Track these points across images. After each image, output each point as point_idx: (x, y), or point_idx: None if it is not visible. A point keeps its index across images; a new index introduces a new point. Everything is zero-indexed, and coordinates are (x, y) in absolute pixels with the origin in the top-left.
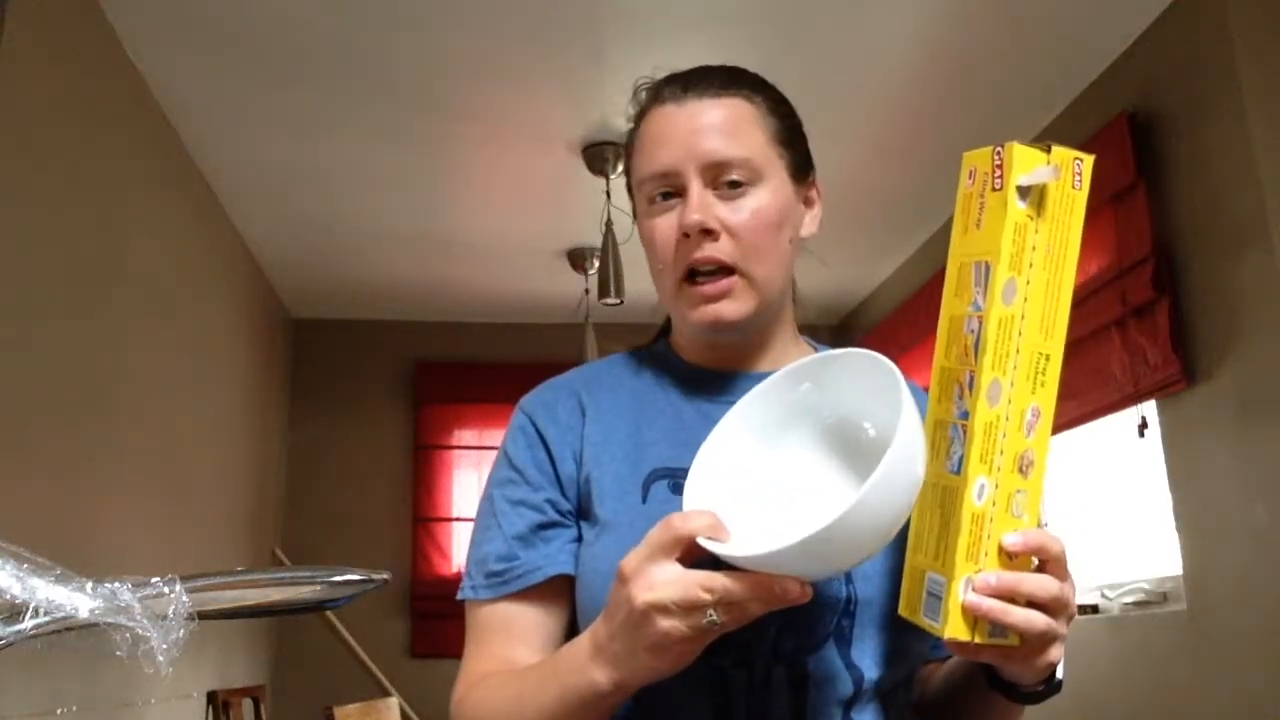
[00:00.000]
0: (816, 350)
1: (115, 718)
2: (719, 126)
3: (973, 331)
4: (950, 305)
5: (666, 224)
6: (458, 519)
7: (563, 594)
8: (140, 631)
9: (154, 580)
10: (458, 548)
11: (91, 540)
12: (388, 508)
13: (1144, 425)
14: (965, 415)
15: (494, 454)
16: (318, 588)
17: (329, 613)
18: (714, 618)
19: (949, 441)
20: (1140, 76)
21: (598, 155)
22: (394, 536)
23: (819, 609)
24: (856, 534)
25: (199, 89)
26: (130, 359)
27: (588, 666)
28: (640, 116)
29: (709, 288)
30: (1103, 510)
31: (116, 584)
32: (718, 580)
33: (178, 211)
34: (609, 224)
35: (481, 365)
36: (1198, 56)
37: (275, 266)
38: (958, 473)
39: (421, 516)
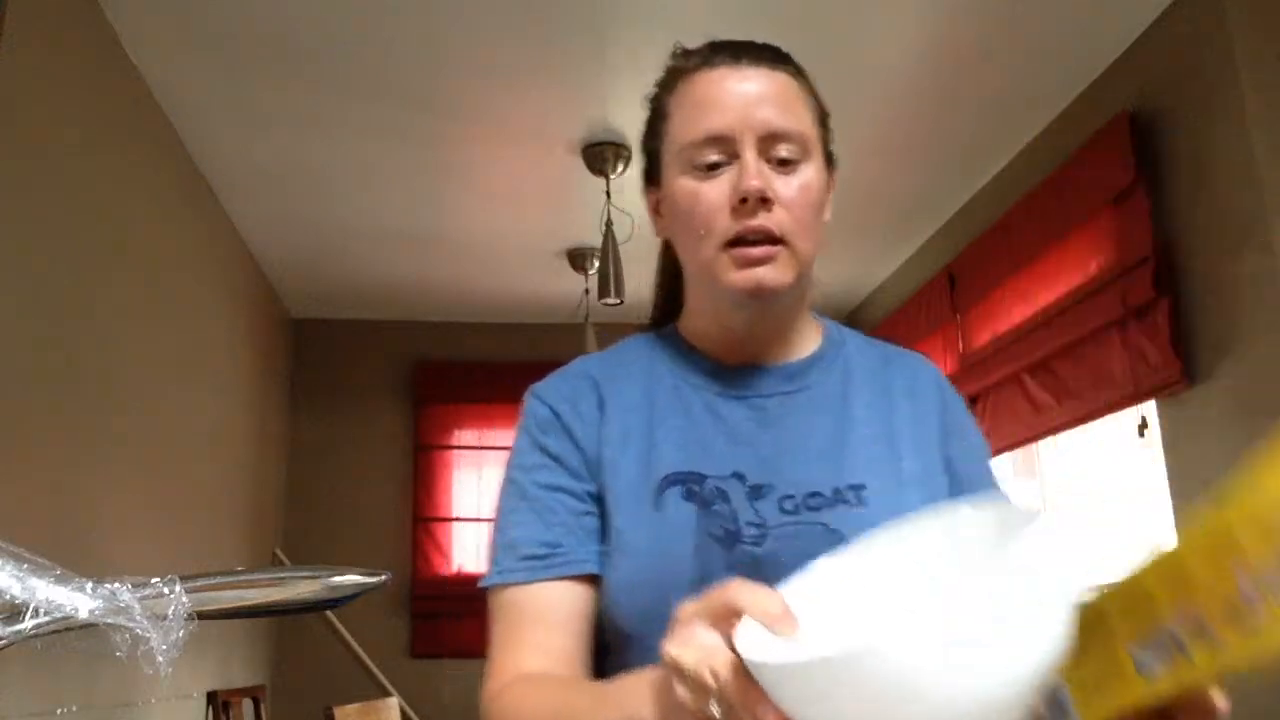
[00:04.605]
0: (829, 330)
1: (115, 718)
2: (776, 97)
3: (1250, 604)
4: (1221, 540)
5: (714, 189)
6: (458, 519)
7: (596, 589)
8: (140, 632)
9: (154, 580)
10: (458, 548)
11: (91, 540)
12: (388, 508)
13: (1144, 425)
14: (1162, 655)
15: (494, 454)
16: (318, 588)
17: (329, 613)
18: (715, 711)
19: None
20: (1140, 76)
21: (598, 155)
22: (394, 536)
23: None
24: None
25: (199, 89)
26: (130, 359)
27: (644, 704)
28: (681, 76)
29: (756, 250)
30: (1102, 510)
31: (116, 584)
32: (724, 672)
33: (177, 211)
34: (609, 224)
35: (481, 365)
36: (1198, 56)
37: (275, 266)
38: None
39: (421, 516)
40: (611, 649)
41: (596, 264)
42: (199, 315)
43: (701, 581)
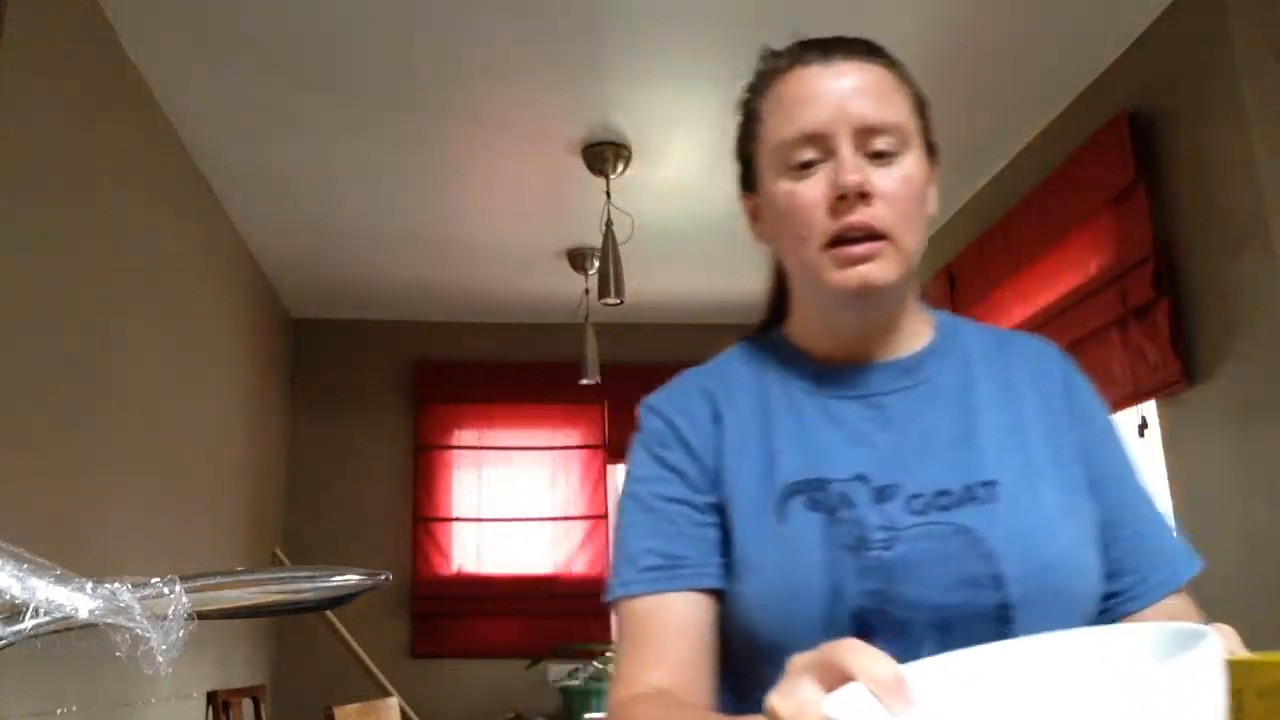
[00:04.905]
0: (940, 321)
1: (115, 718)
2: (870, 90)
3: None
4: None
5: (812, 187)
6: (458, 519)
7: (719, 602)
8: (140, 632)
9: (154, 580)
10: (458, 548)
11: (91, 540)
12: (388, 508)
13: (1144, 425)
14: None
15: (494, 454)
16: (318, 588)
17: (329, 613)
18: None
19: None
20: (1140, 76)
21: (598, 155)
22: (394, 536)
23: (975, 620)
24: None
25: (199, 89)
26: (130, 359)
27: None
28: (771, 78)
29: (859, 248)
30: None
31: (116, 584)
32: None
33: (178, 212)
34: (609, 224)
35: (481, 365)
36: (1198, 56)
37: (275, 266)
38: None
39: (421, 516)
40: (745, 662)
41: (596, 264)
42: (199, 315)
43: (833, 593)
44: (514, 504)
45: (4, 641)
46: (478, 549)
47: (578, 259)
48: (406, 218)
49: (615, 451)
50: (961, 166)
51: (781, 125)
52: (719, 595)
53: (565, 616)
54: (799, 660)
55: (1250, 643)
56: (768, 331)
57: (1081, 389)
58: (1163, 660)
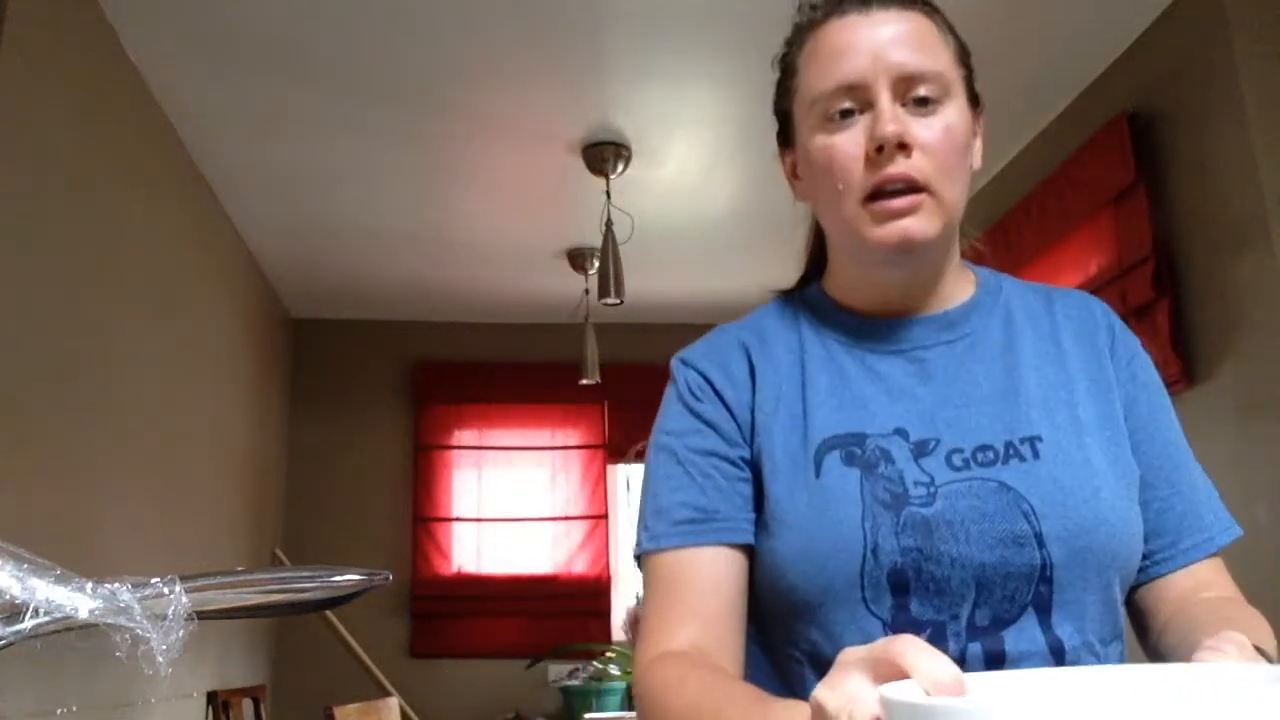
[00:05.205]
0: (983, 277)
1: (115, 718)
2: (909, 39)
3: None
4: None
5: (849, 140)
6: (458, 519)
7: (750, 558)
8: (140, 632)
9: (154, 580)
10: (458, 548)
11: (91, 540)
12: (388, 508)
13: None
14: None
15: (494, 454)
16: (318, 588)
17: (329, 613)
18: None
19: None
20: (1140, 76)
21: (598, 155)
22: (394, 536)
23: (1015, 579)
24: None
25: (199, 89)
26: (130, 359)
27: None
28: (809, 30)
29: (899, 202)
30: None
31: (116, 584)
32: (861, 714)
33: (178, 211)
34: (609, 224)
35: (481, 365)
36: (1198, 56)
37: (275, 266)
38: None
39: (421, 516)
40: (775, 619)
41: (596, 264)
42: (199, 315)
43: (870, 550)
44: (514, 504)
45: (4, 641)
46: (477, 549)
47: (578, 259)
48: (406, 218)
49: (615, 451)
50: None
51: (818, 77)
52: (750, 551)
53: (565, 616)
54: (850, 654)
55: None
56: (804, 287)
57: (1128, 344)
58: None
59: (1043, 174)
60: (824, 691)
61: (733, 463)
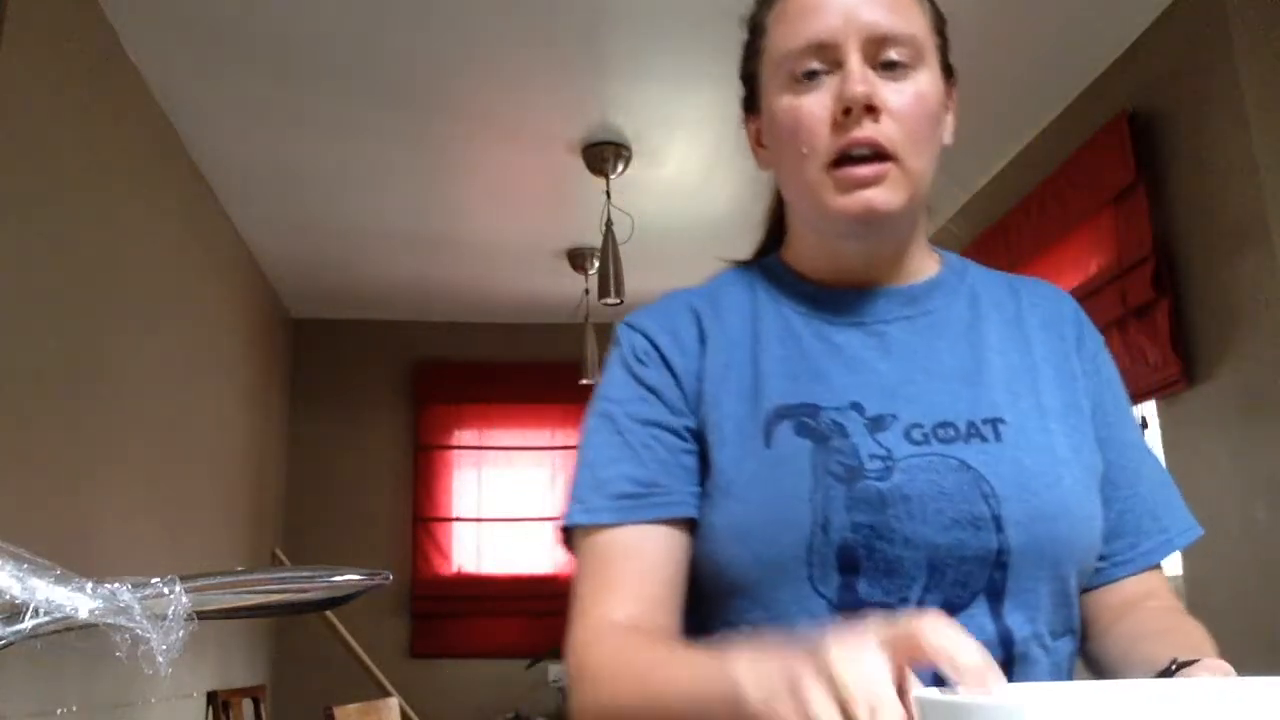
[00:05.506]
0: (947, 258)
1: (115, 718)
2: (883, 0)
3: None
4: None
5: (815, 102)
6: (458, 519)
7: (691, 533)
8: (140, 632)
9: (154, 580)
10: (458, 548)
11: (91, 540)
12: (388, 508)
13: (1144, 425)
14: None
15: (494, 454)
16: (318, 588)
17: (329, 613)
18: None
19: None
20: (1140, 76)
21: (598, 155)
22: (394, 536)
23: (969, 563)
24: None
25: (199, 89)
26: (130, 359)
27: (753, 689)
28: None
29: (864, 170)
30: None
31: (116, 584)
32: (887, 714)
33: (177, 211)
34: (609, 224)
35: (481, 365)
36: (1198, 56)
37: (275, 266)
38: None
39: (421, 516)
40: (713, 598)
41: (596, 264)
42: (199, 315)
43: (820, 525)
44: (514, 504)
45: (4, 641)
46: (477, 549)
47: (578, 259)
48: (407, 218)
49: None
50: (961, 166)
51: (786, 36)
52: (692, 525)
53: (565, 616)
54: (874, 625)
55: (1251, 644)
56: (763, 258)
57: (1093, 339)
58: None
59: (1043, 174)
60: (838, 651)
61: (676, 433)
